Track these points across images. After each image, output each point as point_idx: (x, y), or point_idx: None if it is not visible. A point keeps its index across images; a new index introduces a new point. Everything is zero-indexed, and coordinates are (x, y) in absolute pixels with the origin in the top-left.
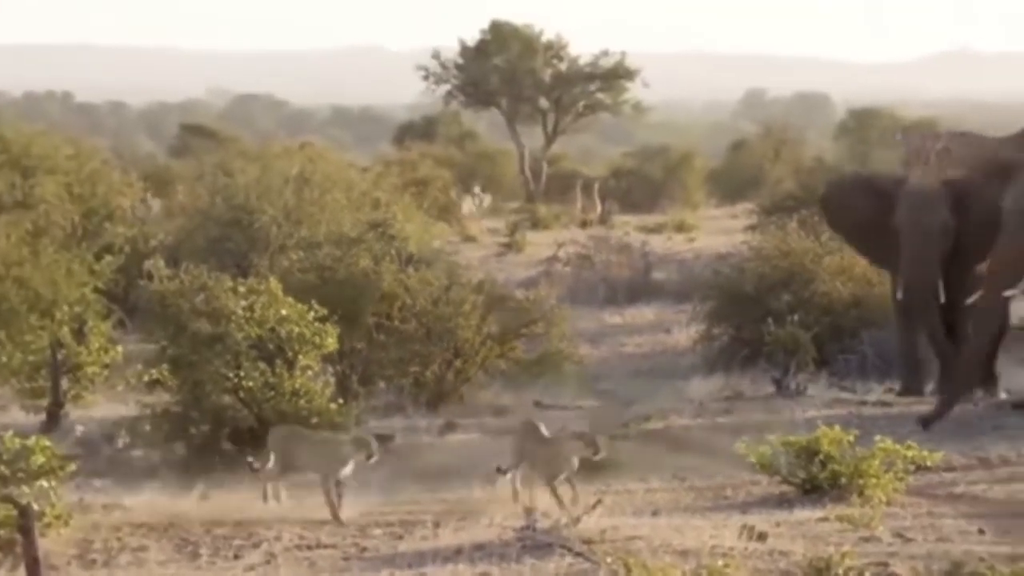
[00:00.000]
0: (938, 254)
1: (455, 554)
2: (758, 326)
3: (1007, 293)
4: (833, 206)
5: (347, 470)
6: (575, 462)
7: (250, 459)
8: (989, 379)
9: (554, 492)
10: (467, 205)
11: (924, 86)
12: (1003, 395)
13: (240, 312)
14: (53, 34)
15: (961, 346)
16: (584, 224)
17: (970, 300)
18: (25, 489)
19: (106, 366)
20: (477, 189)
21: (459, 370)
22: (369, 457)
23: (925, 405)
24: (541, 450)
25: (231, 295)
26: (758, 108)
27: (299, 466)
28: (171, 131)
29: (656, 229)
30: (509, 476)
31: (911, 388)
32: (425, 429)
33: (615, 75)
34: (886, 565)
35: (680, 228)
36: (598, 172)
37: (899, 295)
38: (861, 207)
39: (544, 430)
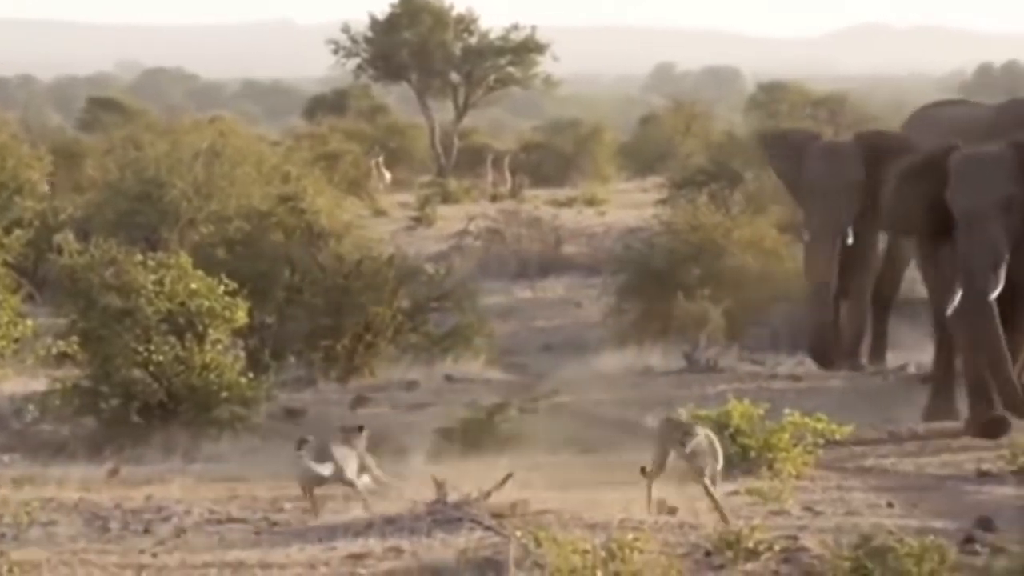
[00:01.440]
0: (847, 205)
1: (366, 528)
2: (668, 300)
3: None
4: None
5: None
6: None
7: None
8: (880, 348)
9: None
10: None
11: (835, 60)
12: (912, 368)
13: (150, 286)
14: None
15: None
16: (494, 198)
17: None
18: None
19: (15, 340)
20: (380, 159)
21: (369, 344)
22: None
23: (837, 380)
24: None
25: (141, 269)
26: (668, 82)
27: None
28: (80, 105)
29: (566, 203)
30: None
31: (822, 361)
32: (336, 403)
33: (525, 49)
34: (796, 538)
35: (590, 202)
36: (508, 146)
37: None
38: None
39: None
